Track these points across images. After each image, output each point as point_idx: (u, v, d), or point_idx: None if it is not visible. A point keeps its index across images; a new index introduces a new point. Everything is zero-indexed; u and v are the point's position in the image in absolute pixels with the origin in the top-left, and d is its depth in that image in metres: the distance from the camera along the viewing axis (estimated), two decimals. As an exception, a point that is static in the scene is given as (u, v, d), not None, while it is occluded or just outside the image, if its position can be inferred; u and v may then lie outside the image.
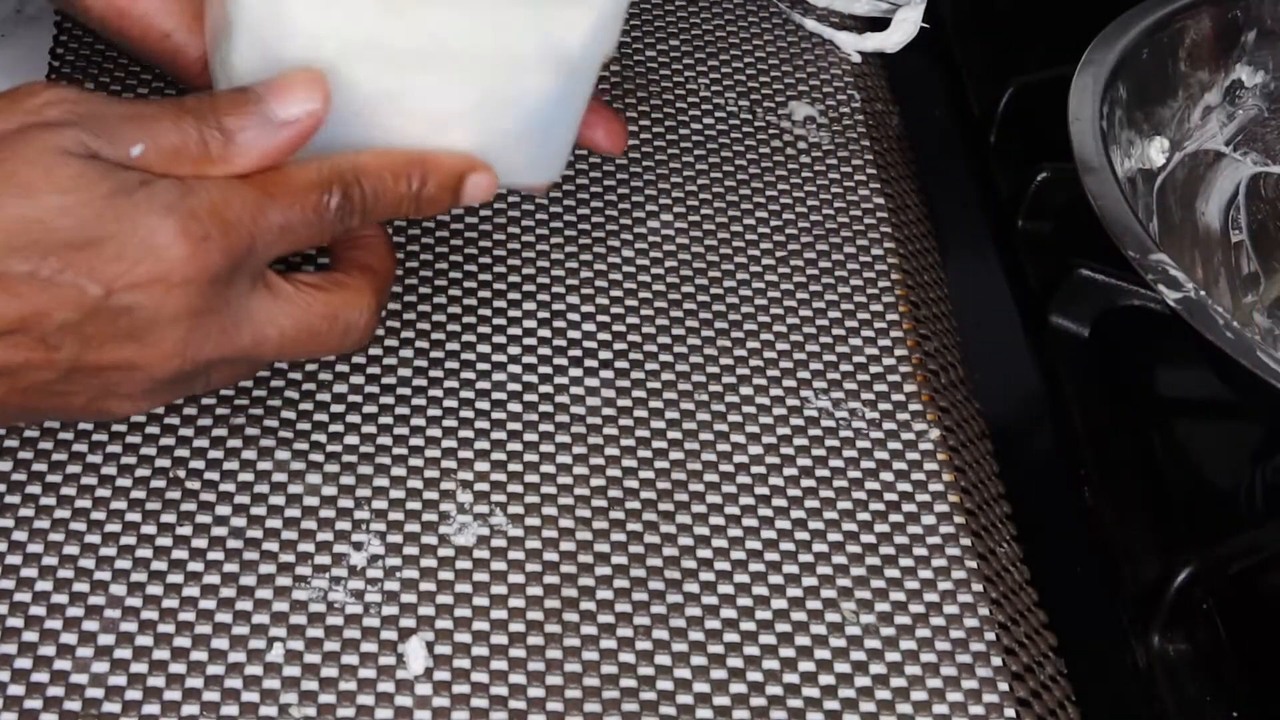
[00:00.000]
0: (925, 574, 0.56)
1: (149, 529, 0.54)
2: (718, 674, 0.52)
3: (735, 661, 0.53)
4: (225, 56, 0.53)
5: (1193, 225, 0.72)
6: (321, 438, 0.58)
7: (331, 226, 0.50)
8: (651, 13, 0.78)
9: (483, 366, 0.61)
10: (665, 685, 0.52)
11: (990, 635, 0.54)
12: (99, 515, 0.54)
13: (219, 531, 0.54)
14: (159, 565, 0.53)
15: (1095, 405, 0.64)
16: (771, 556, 0.56)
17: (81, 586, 0.52)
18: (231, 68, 0.52)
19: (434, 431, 0.58)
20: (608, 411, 0.60)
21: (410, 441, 0.58)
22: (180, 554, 0.54)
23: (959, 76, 0.78)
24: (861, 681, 0.53)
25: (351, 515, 0.56)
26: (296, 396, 0.59)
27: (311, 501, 0.56)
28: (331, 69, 0.51)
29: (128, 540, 0.54)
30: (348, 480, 0.57)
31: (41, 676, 0.50)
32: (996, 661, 0.53)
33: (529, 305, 0.63)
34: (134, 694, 0.50)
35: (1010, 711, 0.52)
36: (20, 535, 0.54)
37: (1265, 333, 0.70)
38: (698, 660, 0.53)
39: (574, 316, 0.63)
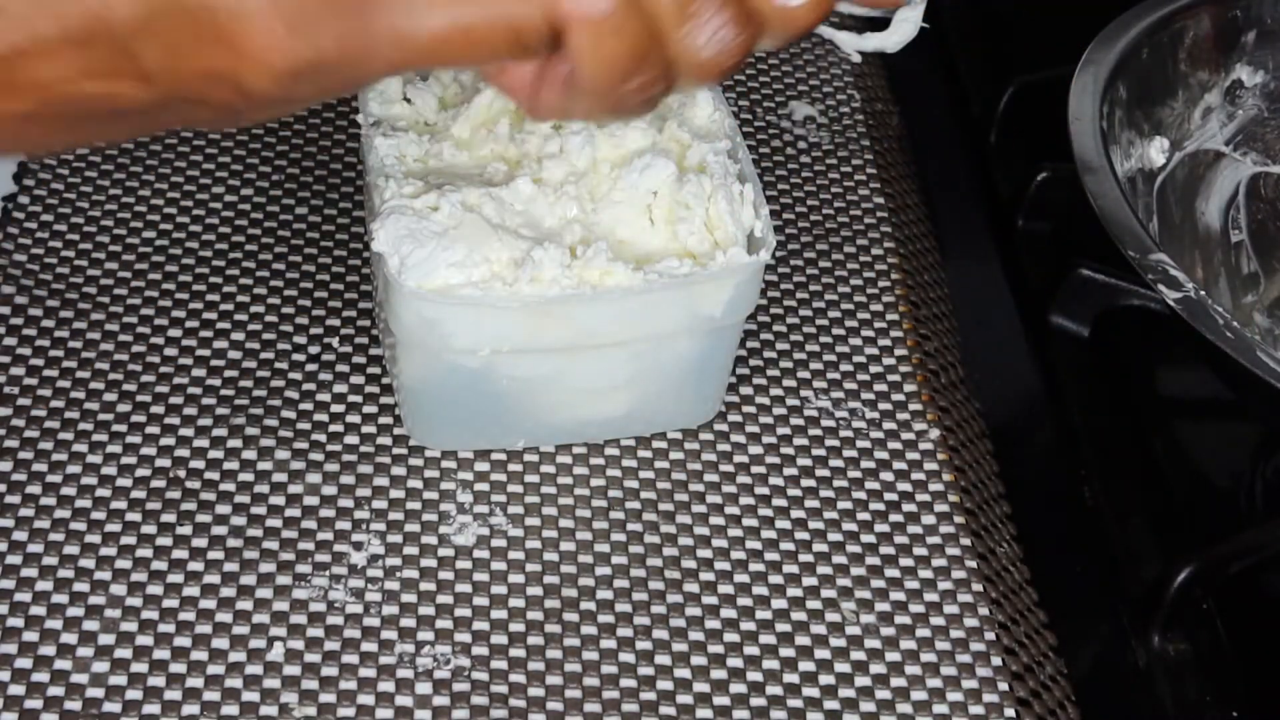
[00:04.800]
0: (925, 574, 0.56)
1: (149, 529, 0.54)
2: (718, 674, 0.52)
3: (735, 661, 0.53)
4: (393, 354, 0.57)
5: (1193, 225, 0.72)
6: (321, 437, 0.58)
7: None
8: (651, 13, 0.78)
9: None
10: (665, 685, 0.52)
11: (990, 635, 0.54)
12: (99, 515, 0.54)
13: (219, 531, 0.54)
14: (159, 565, 0.53)
15: (1095, 405, 0.64)
16: (771, 556, 0.56)
17: (81, 586, 0.52)
18: (399, 369, 0.56)
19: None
20: (608, 411, 0.60)
21: (410, 441, 0.58)
22: (180, 554, 0.54)
23: (959, 76, 0.78)
24: (861, 681, 0.53)
25: (351, 515, 0.56)
26: (296, 396, 0.59)
27: (311, 501, 0.56)
28: (489, 365, 0.54)
29: (128, 540, 0.54)
30: (348, 480, 0.57)
31: (42, 676, 0.50)
32: (996, 661, 0.53)
33: (529, 305, 0.63)
34: (134, 694, 0.50)
35: (1010, 711, 0.52)
36: (20, 535, 0.54)
37: (1265, 333, 0.70)
38: (698, 660, 0.53)
39: (574, 316, 0.63)
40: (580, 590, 0.54)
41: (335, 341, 0.61)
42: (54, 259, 0.63)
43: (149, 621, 0.52)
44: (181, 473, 0.56)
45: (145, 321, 0.61)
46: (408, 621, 0.53)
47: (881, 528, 0.57)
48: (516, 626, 0.53)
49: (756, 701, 0.52)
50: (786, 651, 0.53)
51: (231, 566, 0.54)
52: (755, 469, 0.58)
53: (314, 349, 0.61)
